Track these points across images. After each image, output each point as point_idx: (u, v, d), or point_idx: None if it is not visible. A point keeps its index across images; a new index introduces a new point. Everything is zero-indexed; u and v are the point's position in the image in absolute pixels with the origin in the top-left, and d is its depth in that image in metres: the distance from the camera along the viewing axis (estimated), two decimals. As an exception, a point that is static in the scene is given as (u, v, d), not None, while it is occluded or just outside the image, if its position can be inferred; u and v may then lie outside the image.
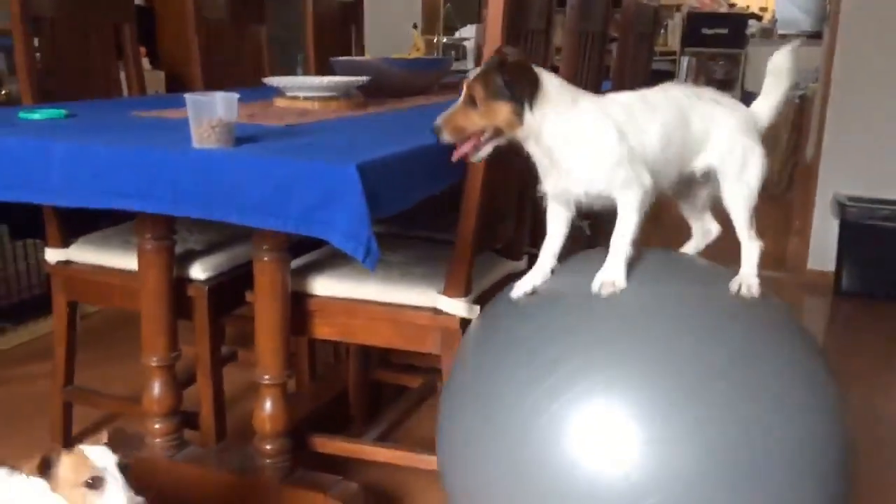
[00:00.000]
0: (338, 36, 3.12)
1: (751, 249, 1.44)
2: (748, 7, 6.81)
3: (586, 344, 1.28)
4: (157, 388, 1.83)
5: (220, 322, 1.97)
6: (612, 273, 1.36)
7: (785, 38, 6.24)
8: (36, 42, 2.04)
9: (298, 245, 1.74)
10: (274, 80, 2.06)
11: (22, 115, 1.71)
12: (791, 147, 5.65)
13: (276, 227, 1.36)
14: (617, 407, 1.21)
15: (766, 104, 1.48)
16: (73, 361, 2.10)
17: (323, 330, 1.77)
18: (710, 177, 1.46)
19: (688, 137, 1.41)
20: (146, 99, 2.33)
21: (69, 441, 2.14)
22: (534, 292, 1.43)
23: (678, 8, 6.48)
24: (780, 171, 5.75)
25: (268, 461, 1.74)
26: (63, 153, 1.41)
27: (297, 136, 1.61)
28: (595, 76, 2.33)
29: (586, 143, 1.33)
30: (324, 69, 2.76)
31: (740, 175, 1.42)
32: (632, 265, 1.38)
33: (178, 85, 3.78)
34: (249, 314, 1.75)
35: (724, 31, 6.18)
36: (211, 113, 1.37)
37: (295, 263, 1.75)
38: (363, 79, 2.07)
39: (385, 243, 1.32)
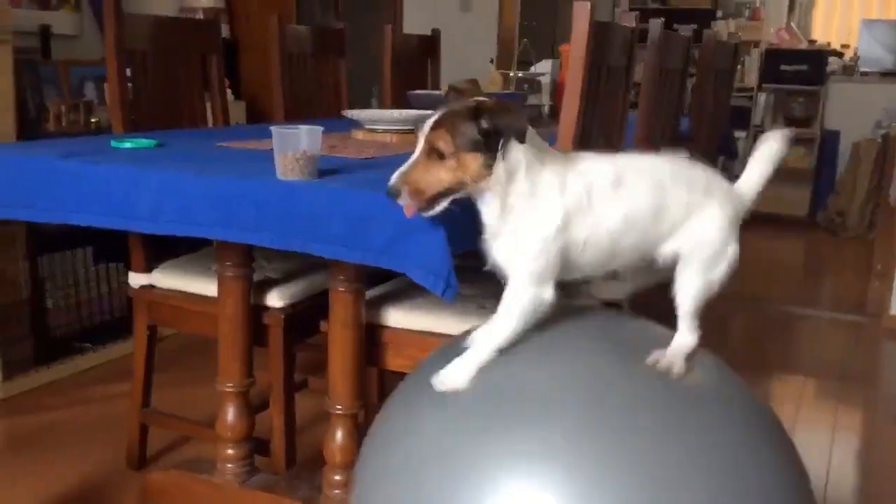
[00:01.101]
0: (414, 69, 3.16)
1: (686, 338, 1.28)
2: (829, 44, 6.66)
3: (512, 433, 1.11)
4: (230, 413, 1.86)
5: (294, 350, 1.99)
6: (455, 373, 1.19)
7: (867, 76, 6.08)
8: (128, 72, 2.12)
9: (374, 275, 1.76)
10: (353, 113, 2.10)
11: (114, 143, 1.78)
12: (873, 187, 5.48)
13: (355, 259, 1.37)
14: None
15: (751, 186, 1.34)
16: (151, 384, 2.15)
17: (396, 362, 1.77)
18: (666, 263, 1.30)
19: (656, 228, 1.25)
20: (230, 129, 2.40)
21: (144, 462, 2.19)
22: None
23: (756, 44, 6.38)
24: (860, 212, 5.58)
25: (336, 492, 1.74)
26: (153, 182, 1.46)
27: (377, 169, 1.63)
28: (674, 112, 2.31)
29: (527, 215, 1.17)
30: (400, 102, 2.80)
31: (706, 272, 1.27)
32: (574, 324, 1.25)
33: (258, 115, 3.88)
34: (322, 343, 1.77)
35: (804, 67, 6.05)
36: (296, 145, 1.40)
37: (370, 294, 1.77)
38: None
39: (461, 276, 1.31)
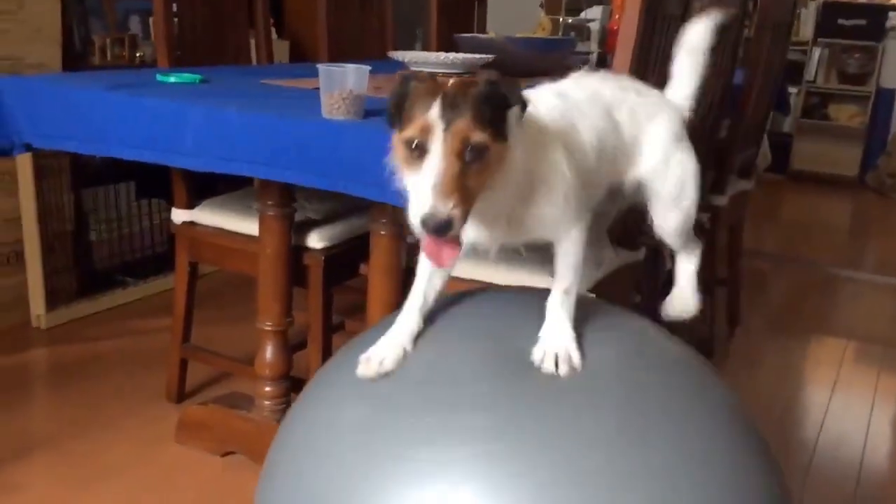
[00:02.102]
0: (461, 12, 3.10)
1: (688, 263, 1.30)
2: (890, -2, 6.41)
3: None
4: (269, 352, 1.87)
5: (332, 291, 1.99)
6: (561, 340, 1.02)
7: (929, 33, 5.85)
8: (173, 7, 2.10)
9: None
10: (399, 55, 2.06)
11: (159, 77, 1.77)
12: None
13: (395, 201, 1.35)
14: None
15: (685, 91, 1.28)
16: (191, 320, 2.17)
17: (433, 307, 1.76)
18: (632, 191, 1.23)
19: (619, 145, 1.16)
20: (274, 67, 2.37)
21: (182, 396, 2.23)
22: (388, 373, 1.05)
23: (813, -4, 6.16)
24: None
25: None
26: (198, 118, 1.45)
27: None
28: (729, 65, 2.24)
29: (546, 179, 1.02)
30: (446, 45, 2.75)
31: (678, 200, 1.22)
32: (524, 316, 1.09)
33: (301, 55, 3.85)
34: (360, 285, 1.77)
35: (862, 22, 5.83)
36: (342, 85, 1.38)
37: (411, 239, 1.75)
38: (488, 57, 2.04)
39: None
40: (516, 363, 1.03)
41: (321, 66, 1.38)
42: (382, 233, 1.63)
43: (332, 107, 1.39)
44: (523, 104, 0.94)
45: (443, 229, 0.86)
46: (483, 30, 3.17)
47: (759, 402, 2.43)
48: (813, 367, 2.80)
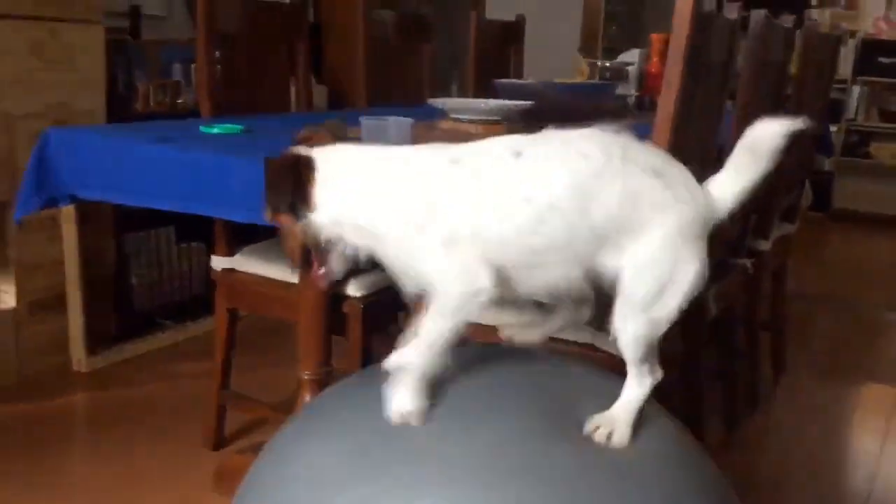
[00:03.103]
0: (497, 57, 3.11)
1: (633, 393, 1.04)
2: (931, 34, 6.33)
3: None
4: (308, 400, 1.85)
5: (372, 340, 1.98)
6: (400, 399, 1.01)
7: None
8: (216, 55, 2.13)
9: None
10: (439, 102, 2.06)
11: (203, 129, 1.78)
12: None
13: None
14: None
15: (733, 188, 1.06)
16: (231, 366, 2.17)
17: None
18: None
19: (584, 225, 0.98)
20: (313, 115, 2.39)
21: (220, 443, 2.22)
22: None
23: (852, 34, 6.11)
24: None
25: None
26: (242, 170, 1.45)
27: (464, 162, 1.59)
28: (772, 105, 2.22)
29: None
30: (483, 90, 2.76)
31: (649, 306, 1.00)
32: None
33: (340, 100, 3.89)
34: (399, 334, 1.75)
35: (903, 59, 5.77)
36: (384, 138, 1.37)
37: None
38: (528, 103, 2.03)
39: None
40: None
41: (364, 120, 1.39)
42: (423, 282, 1.62)
43: (375, 159, 1.38)
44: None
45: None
46: (520, 74, 3.18)
47: (807, 450, 2.36)
48: (862, 413, 2.72)
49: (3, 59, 2.40)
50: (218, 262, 2.06)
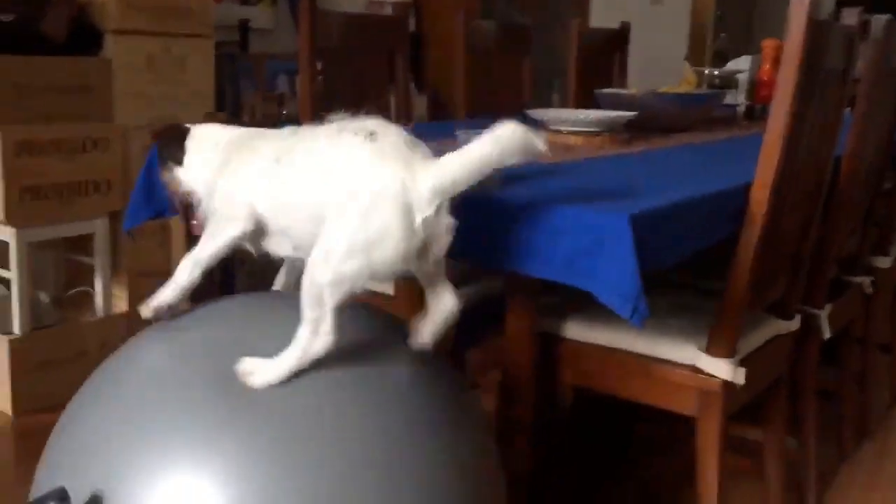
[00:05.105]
0: (601, 66, 3.05)
1: (294, 345, 1.07)
2: None
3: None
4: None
5: (466, 352, 1.97)
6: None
7: None
8: (318, 65, 2.17)
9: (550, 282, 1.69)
10: (538, 113, 2.03)
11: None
12: None
13: (535, 273, 1.31)
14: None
15: (453, 168, 1.09)
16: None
17: (566, 374, 1.69)
18: None
19: (285, 198, 1.16)
20: (414, 127, 2.40)
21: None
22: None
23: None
24: None
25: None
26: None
27: (565, 176, 1.55)
28: (892, 113, 2.09)
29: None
30: (585, 99, 2.71)
31: (330, 257, 1.06)
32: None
33: (440, 109, 3.90)
34: (493, 346, 1.72)
35: None
36: (480, 150, 1.35)
37: (545, 301, 1.70)
38: (632, 114, 1.98)
39: (644, 287, 1.20)
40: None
41: (460, 135, 1.37)
42: (517, 299, 1.59)
43: (469, 172, 1.36)
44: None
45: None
46: (624, 83, 3.11)
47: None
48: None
49: (119, 74, 2.51)
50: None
